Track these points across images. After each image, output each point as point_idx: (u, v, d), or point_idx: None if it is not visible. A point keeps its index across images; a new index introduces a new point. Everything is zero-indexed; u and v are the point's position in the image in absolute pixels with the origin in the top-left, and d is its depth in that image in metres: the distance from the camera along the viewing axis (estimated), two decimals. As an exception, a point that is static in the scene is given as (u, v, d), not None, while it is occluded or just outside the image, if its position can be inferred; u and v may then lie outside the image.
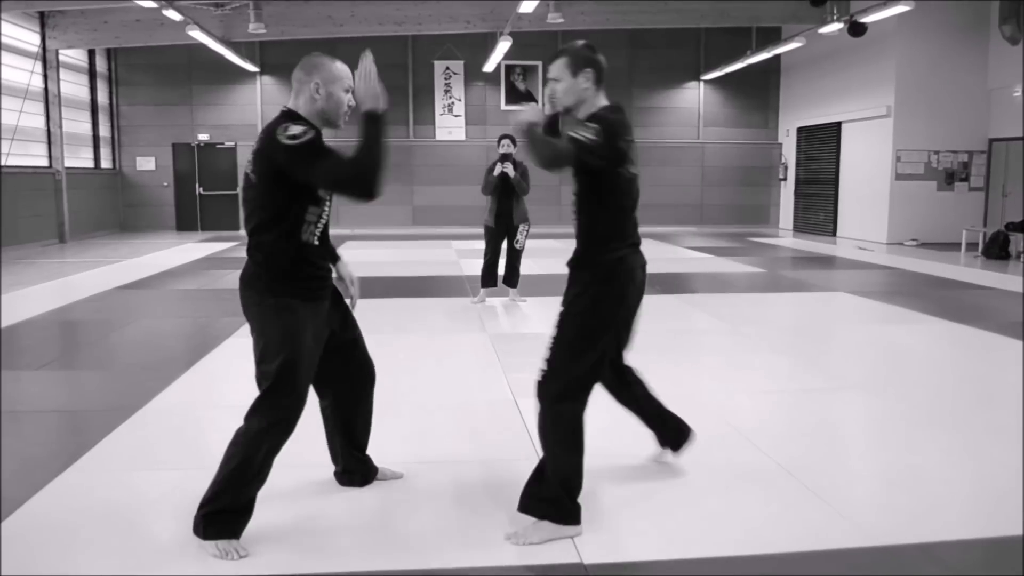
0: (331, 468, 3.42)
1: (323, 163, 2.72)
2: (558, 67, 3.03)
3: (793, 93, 19.06)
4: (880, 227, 15.55)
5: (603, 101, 3.06)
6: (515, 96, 19.26)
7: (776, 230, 19.02)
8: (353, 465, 3.39)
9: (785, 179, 19.44)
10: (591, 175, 2.98)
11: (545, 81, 2.91)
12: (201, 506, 2.85)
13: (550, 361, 2.96)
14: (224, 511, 2.83)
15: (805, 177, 18.61)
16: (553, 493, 2.92)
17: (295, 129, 2.75)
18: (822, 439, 4.15)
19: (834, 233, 17.23)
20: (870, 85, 15.56)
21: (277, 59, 18.32)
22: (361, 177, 2.67)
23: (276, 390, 2.84)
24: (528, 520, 2.95)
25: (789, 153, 19.26)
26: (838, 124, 16.96)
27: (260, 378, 2.88)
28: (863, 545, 2.89)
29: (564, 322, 2.98)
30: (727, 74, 18.70)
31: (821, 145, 17.81)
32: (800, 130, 18.62)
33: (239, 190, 2.77)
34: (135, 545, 2.90)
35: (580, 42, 3.11)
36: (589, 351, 2.96)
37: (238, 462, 2.82)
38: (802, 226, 18.58)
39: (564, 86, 3.03)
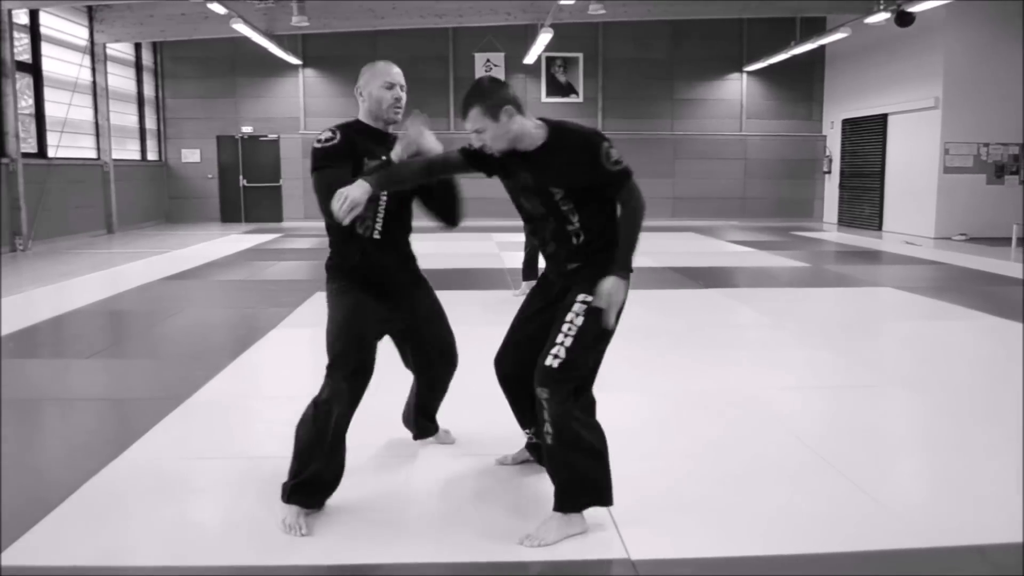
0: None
1: (320, 173, 3.04)
2: (475, 118, 2.93)
3: (838, 85, 18.78)
4: (927, 221, 15.27)
5: (533, 122, 2.99)
6: (556, 88, 19.21)
7: (820, 224, 18.78)
8: (420, 425, 3.74)
9: (829, 172, 19.18)
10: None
11: (497, 113, 2.83)
12: (290, 477, 3.02)
13: (570, 350, 2.84)
14: (305, 483, 2.98)
15: (850, 170, 18.34)
16: (576, 478, 2.89)
17: (325, 134, 3.11)
18: (870, 436, 4.09)
19: (880, 227, 16.96)
20: (918, 76, 15.28)
21: (319, 52, 18.45)
22: (318, 196, 3.03)
23: (334, 365, 3.05)
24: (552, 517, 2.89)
25: (833, 146, 18.99)
26: (884, 116, 16.68)
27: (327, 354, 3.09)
28: (917, 546, 2.84)
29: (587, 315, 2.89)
30: (770, 65, 18.46)
31: (867, 137, 17.54)
32: (845, 122, 18.35)
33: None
34: (182, 532, 2.95)
35: (485, 78, 3.07)
36: (603, 344, 2.99)
37: (308, 434, 3.01)
38: (847, 220, 18.32)
39: (491, 134, 2.94)
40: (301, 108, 18.55)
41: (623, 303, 2.84)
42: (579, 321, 2.86)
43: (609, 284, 2.78)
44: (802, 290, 8.93)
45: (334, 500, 3.11)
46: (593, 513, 3.01)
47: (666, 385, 5.00)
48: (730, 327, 6.94)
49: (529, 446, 3.44)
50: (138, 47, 17.63)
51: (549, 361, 2.82)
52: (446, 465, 3.57)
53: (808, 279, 9.76)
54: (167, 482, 3.43)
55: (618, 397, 4.58)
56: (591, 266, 2.90)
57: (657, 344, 6.06)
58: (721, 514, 3.10)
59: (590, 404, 3.03)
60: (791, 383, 5.10)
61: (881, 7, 13.63)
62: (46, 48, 13.97)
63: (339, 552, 2.80)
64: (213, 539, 2.90)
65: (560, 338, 2.84)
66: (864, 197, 17.70)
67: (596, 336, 2.89)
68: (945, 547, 2.83)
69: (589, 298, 2.86)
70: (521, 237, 8.33)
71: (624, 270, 2.81)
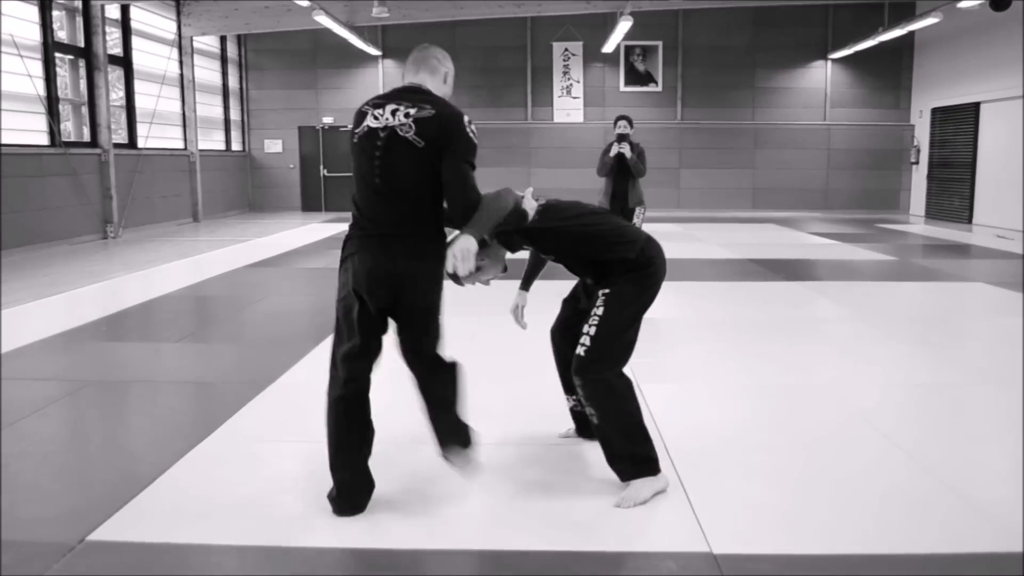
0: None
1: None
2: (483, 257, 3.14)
3: (927, 72, 18.15)
4: (1021, 214, 14.67)
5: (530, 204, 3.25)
6: (635, 77, 19.01)
7: (906, 216, 18.22)
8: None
9: (917, 163, 18.57)
10: None
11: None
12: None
13: (595, 338, 3.08)
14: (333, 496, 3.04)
15: (939, 160, 17.73)
16: (626, 451, 3.10)
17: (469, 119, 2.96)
18: (959, 436, 3.95)
19: (970, 220, 16.37)
20: (1013, 63, 14.64)
21: (399, 43, 18.62)
22: (475, 189, 2.94)
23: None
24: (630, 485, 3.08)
25: (922, 135, 18.38)
26: (976, 105, 16.06)
27: (434, 344, 3.01)
28: (1009, 550, 2.73)
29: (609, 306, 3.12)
30: (856, 52, 17.91)
31: (957, 127, 16.91)
32: (935, 111, 17.73)
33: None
34: (265, 513, 3.01)
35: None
36: (630, 330, 3.18)
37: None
38: (934, 212, 17.72)
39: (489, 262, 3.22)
40: (380, 99, 18.74)
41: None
42: (600, 311, 3.11)
43: (460, 239, 2.85)
44: (888, 284, 8.68)
45: (407, 486, 3.14)
46: (676, 506, 2.99)
47: (749, 379, 4.91)
48: (813, 321, 6.79)
49: (571, 411, 3.69)
50: (223, 40, 18.06)
51: (579, 351, 3.12)
52: (506, 453, 3.57)
53: (894, 273, 9.48)
54: (251, 464, 3.52)
55: (702, 390, 4.53)
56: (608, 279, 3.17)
57: (740, 338, 5.96)
58: (805, 510, 3.03)
59: (625, 384, 3.16)
60: (877, 379, 4.96)
61: (975, -9, 13.11)
62: (136, 42, 14.42)
63: (400, 536, 2.83)
64: (294, 520, 2.96)
65: (586, 328, 3.12)
66: (953, 189, 17.09)
67: (619, 322, 3.11)
68: (1043, 552, 2.72)
69: (607, 291, 3.13)
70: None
71: (474, 231, 2.86)
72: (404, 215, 2.88)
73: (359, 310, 2.90)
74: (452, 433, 3.05)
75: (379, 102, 3.00)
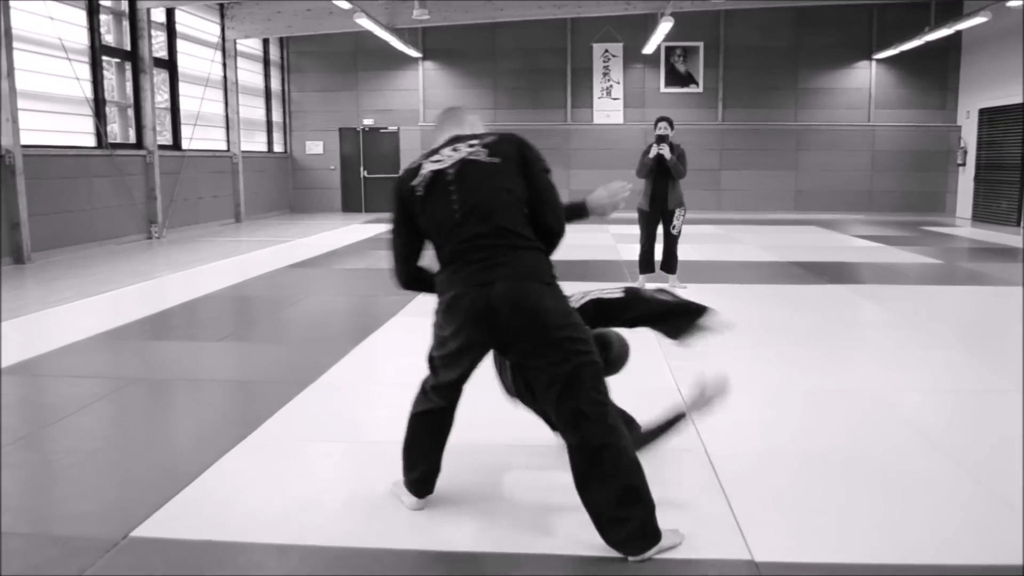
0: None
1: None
2: None
3: (975, 72, 17.80)
4: (1072, 216, 14.35)
5: None
6: (675, 78, 18.89)
7: (952, 219, 17.89)
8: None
9: (964, 164, 18.23)
10: None
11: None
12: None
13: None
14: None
15: (987, 162, 17.38)
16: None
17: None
18: (1006, 443, 3.86)
19: (1018, 223, 16.00)
20: (1065, 62, 14.35)
21: (439, 44, 18.69)
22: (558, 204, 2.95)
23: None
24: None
25: (969, 136, 18.03)
26: (1026, 105, 15.74)
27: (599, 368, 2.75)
28: (1062, 561, 2.67)
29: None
30: (902, 52, 17.64)
31: (1006, 128, 16.56)
32: (982, 112, 17.39)
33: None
34: (305, 512, 3.02)
35: None
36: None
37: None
38: (982, 215, 17.37)
39: None
40: (420, 100, 18.84)
41: None
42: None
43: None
44: (934, 288, 8.52)
45: (455, 487, 3.13)
46: (717, 511, 2.96)
47: (792, 383, 4.85)
48: (857, 325, 6.69)
49: None
50: (266, 43, 18.26)
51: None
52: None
53: (940, 276, 9.31)
54: (292, 462, 3.54)
55: (744, 395, 4.47)
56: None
57: (782, 341, 5.89)
58: (847, 518, 2.98)
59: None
60: (921, 385, 4.87)
61: (1026, -11, 12.85)
62: (181, 45, 14.64)
63: (451, 538, 2.82)
64: (334, 520, 2.97)
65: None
66: (1002, 191, 16.74)
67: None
68: (1098, 564, 2.65)
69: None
70: (638, 230, 8.23)
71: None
72: (502, 232, 2.70)
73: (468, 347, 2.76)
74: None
75: (431, 152, 2.87)
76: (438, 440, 3.01)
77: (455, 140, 2.87)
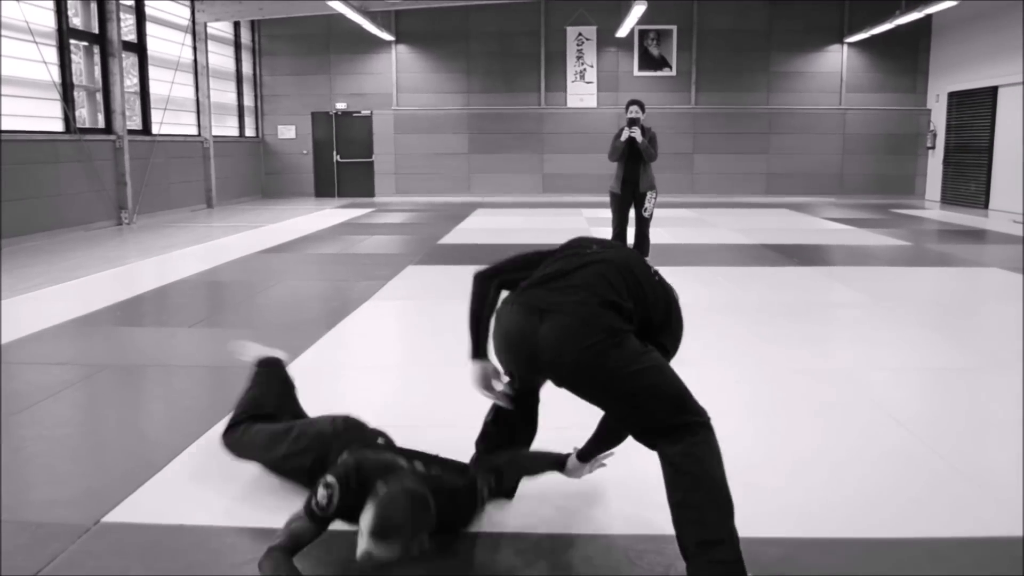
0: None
1: None
2: None
3: (944, 56, 17.98)
4: (1038, 199, 14.56)
5: None
6: (648, 62, 18.92)
7: (922, 201, 18.10)
8: None
9: (933, 147, 18.43)
10: None
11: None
12: None
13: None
14: None
15: (955, 145, 17.59)
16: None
17: None
18: (970, 420, 3.95)
19: (986, 205, 16.24)
20: (1032, 46, 14.52)
21: (412, 27, 18.57)
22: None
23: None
24: None
25: (938, 120, 18.23)
26: (994, 89, 15.92)
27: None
28: (1018, 534, 2.73)
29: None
30: (873, 36, 17.77)
31: (974, 111, 16.77)
32: (951, 95, 17.58)
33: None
34: (279, 495, 3.03)
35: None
36: None
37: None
38: (950, 197, 17.59)
39: None
40: (394, 84, 18.72)
41: None
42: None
43: None
44: (903, 269, 8.64)
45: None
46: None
47: (761, 364, 4.91)
48: (827, 306, 6.77)
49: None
50: (237, 26, 18.07)
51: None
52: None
53: (909, 258, 9.43)
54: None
55: (713, 375, 4.52)
56: None
57: (752, 322, 5.95)
58: (815, 494, 3.04)
59: None
60: (889, 364, 4.94)
61: (993, -27, 12.97)
62: (151, 28, 14.45)
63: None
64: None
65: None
66: (970, 174, 16.97)
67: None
68: (1054, 537, 2.72)
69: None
70: (608, 213, 8.26)
71: None
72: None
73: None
74: None
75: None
76: None
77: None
